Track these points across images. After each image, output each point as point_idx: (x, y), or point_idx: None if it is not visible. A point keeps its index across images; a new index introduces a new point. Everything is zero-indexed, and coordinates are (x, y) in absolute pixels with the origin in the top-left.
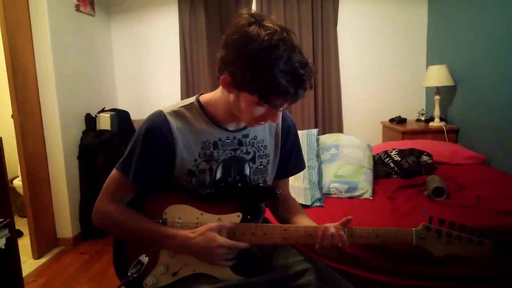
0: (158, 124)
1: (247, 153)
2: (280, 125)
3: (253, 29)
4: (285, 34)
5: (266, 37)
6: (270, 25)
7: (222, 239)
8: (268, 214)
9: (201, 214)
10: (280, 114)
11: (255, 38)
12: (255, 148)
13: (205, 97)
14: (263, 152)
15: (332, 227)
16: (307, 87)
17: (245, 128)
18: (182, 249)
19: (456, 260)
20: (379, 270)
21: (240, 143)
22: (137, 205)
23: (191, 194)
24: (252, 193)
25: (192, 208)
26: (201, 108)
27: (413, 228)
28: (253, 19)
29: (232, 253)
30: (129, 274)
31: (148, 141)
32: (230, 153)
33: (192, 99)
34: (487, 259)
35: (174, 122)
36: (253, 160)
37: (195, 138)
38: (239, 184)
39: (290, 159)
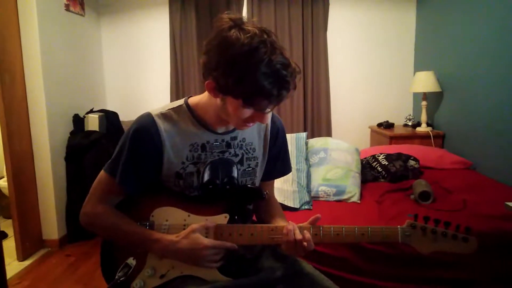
0: (146, 126)
1: (235, 155)
2: (269, 127)
3: (233, 33)
4: (265, 36)
5: (246, 41)
6: (250, 28)
7: (206, 240)
8: None
9: (189, 216)
10: (268, 115)
11: (235, 42)
12: (244, 150)
13: (193, 100)
14: (252, 154)
15: (292, 223)
16: (290, 87)
17: (233, 130)
18: (167, 253)
19: (444, 264)
20: (368, 273)
21: (228, 145)
22: (125, 208)
23: (178, 196)
24: (240, 194)
25: (179, 210)
26: (190, 111)
27: (399, 226)
28: (232, 23)
29: (219, 253)
30: (116, 277)
31: (135, 143)
32: (218, 155)
33: (180, 102)
34: (474, 259)
35: (162, 125)
36: (241, 162)
37: (183, 141)
38: (227, 187)
39: (277, 162)
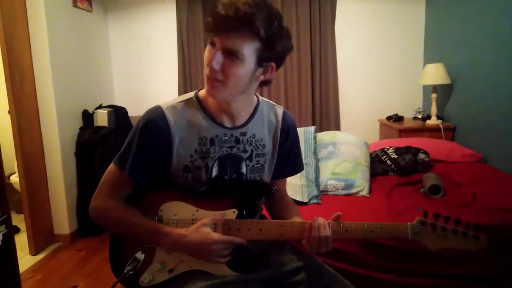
0: (155, 119)
1: (245, 151)
2: (280, 124)
3: None
4: None
5: None
6: None
7: (216, 235)
8: (264, 212)
9: (197, 210)
10: (214, 55)
11: None
12: (253, 146)
13: (203, 92)
14: (261, 151)
15: (321, 219)
16: (222, 13)
17: (243, 125)
18: (177, 247)
19: (452, 258)
20: (375, 268)
21: (237, 140)
22: (134, 202)
23: (187, 191)
24: (248, 190)
25: (187, 205)
26: (199, 104)
27: (408, 223)
28: None
29: (227, 248)
30: (125, 271)
31: (145, 136)
32: (227, 151)
33: (191, 94)
34: (483, 255)
35: (171, 118)
36: (250, 158)
37: (192, 134)
38: (236, 182)
39: (288, 160)
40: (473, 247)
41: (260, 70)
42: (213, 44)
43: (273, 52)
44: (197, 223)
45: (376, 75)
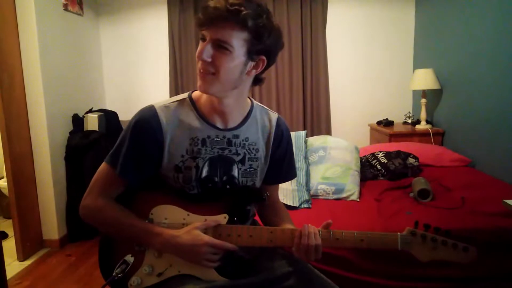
0: (147, 118)
1: (237, 154)
2: (273, 130)
3: None
4: None
5: None
6: None
7: (207, 237)
8: (256, 218)
9: (188, 215)
10: (205, 49)
11: None
12: (246, 150)
13: (196, 94)
14: (254, 155)
15: (311, 227)
16: (211, 6)
17: (235, 128)
18: (167, 247)
19: (444, 262)
20: (366, 272)
21: (230, 142)
22: (124, 204)
23: (178, 194)
24: (239, 195)
25: (178, 209)
26: (192, 104)
27: (398, 233)
28: None
29: (218, 253)
30: (114, 273)
31: (136, 134)
32: (218, 152)
33: (184, 95)
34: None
35: (164, 117)
36: (242, 161)
37: (184, 134)
38: (227, 186)
39: (282, 166)
40: (463, 259)
41: (251, 64)
42: (203, 39)
43: (263, 44)
44: (189, 226)
45: (367, 80)
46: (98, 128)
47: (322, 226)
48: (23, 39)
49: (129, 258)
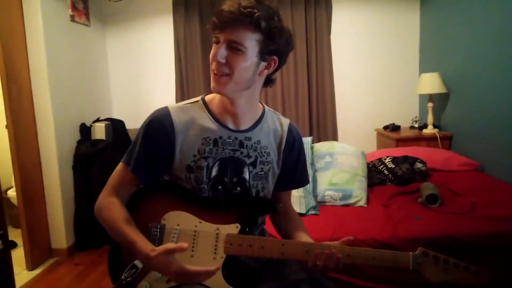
0: (160, 117)
1: (248, 156)
2: (285, 135)
3: None
4: None
5: None
6: None
7: (175, 267)
8: (268, 226)
9: (200, 222)
10: (218, 51)
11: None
12: (258, 153)
13: (209, 96)
14: (266, 158)
15: (330, 246)
16: (225, 10)
17: (247, 130)
18: (147, 264)
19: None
20: (371, 278)
21: (241, 144)
22: (137, 206)
23: (191, 201)
24: (252, 205)
25: (191, 216)
26: (205, 106)
27: (411, 253)
28: None
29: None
30: (122, 277)
31: (149, 133)
32: (229, 153)
33: (198, 98)
34: (480, 262)
35: (177, 117)
36: (253, 164)
37: (196, 134)
38: (238, 188)
39: (295, 172)
40: (475, 282)
41: (264, 64)
42: (217, 42)
43: (275, 44)
44: (161, 248)
45: (373, 85)
46: (106, 137)
47: (342, 240)
48: (31, 51)
49: (138, 263)
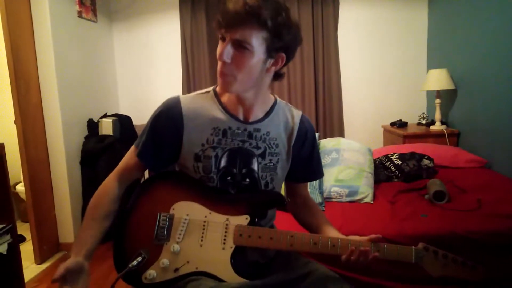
0: (170, 106)
1: (257, 147)
2: (296, 127)
3: None
4: None
5: None
6: None
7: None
8: (286, 221)
9: (210, 213)
10: (224, 48)
11: None
12: (267, 144)
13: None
14: (274, 150)
15: (360, 242)
16: (230, 9)
17: (257, 122)
18: None
19: (453, 279)
20: (380, 275)
21: (250, 135)
22: (146, 195)
23: (201, 192)
24: (262, 198)
25: (201, 207)
26: (216, 97)
27: (413, 247)
28: None
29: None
30: (129, 265)
31: (157, 121)
32: (238, 144)
33: (209, 88)
34: (488, 259)
35: (186, 106)
36: (262, 156)
37: (205, 123)
38: (247, 179)
39: (310, 165)
40: (471, 277)
41: (271, 61)
42: (223, 39)
43: (282, 41)
44: (60, 274)
45: (380, 81)
46: (113, 133)
47: (371, 238)
48: (39, 47)
49: (146, 251)
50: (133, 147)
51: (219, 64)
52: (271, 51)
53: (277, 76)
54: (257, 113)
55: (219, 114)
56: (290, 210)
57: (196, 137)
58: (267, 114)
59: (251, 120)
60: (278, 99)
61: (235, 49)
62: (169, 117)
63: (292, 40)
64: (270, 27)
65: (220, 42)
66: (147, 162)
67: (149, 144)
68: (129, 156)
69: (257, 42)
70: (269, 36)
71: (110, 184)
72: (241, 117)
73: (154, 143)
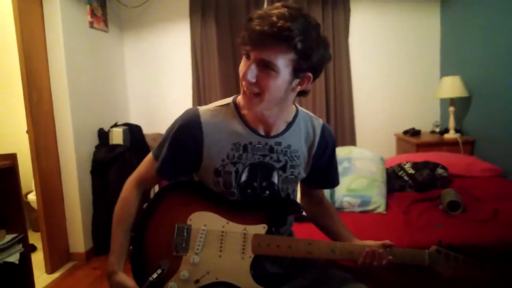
0: (189, 120)
1: (278, 161)
2: (317, 138)
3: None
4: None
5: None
6: None
7: (132, 284)
8: (303, 231)
9: (227, 223)
10: (249, 70)
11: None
12: (288, 157)
13: (240, 98)
14: (296, 162)
15: (374, 245)
16: (257, 28)
17: (278, 135)
18: (106, 274)
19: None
20: (387, 284)
21: (271, 149)
22: (162, 206)
23: (218, 202)
24: (278, 206)
25: (218, 217)
26: (236, 110)
27: (426, 250)
28: None
29: None
30: (150, 278)
31: (177, 137)
32: (259, 158)
33: (229, 100)
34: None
35: (206, 120)
36: (283, 168)
37: (226, 139)
38: (267, 192)
39: (326, 174)
40: (481, 277)
41: (297, 81)
42: (247, 56)
43: (309, 62)
44: (123, 279)
45: (392, 89)
46: (123, 142)
47: (384, 244)
48: (51, 57)
49: (165, 263)
50: (151, 157)
51: (243, 83)
52: (297, 72)
53: (302, 93)
54: (279, 127)
55: (239, 128)
56: (306, 212)
57: (216, 152)
58: (289, 126)
59: (272, 134)
60: (299, 108)
61: (259, 70)
62: (189, 131)
63: (320, 60)
64: (298, 49)
65: (244, 59)
66: (167, 177)
67: (169, 160)
68: (148, 166)
69: (283, 63)
70: (296, 58)
71: (131, 195)
72: (261, 131)
73: (174, 158)
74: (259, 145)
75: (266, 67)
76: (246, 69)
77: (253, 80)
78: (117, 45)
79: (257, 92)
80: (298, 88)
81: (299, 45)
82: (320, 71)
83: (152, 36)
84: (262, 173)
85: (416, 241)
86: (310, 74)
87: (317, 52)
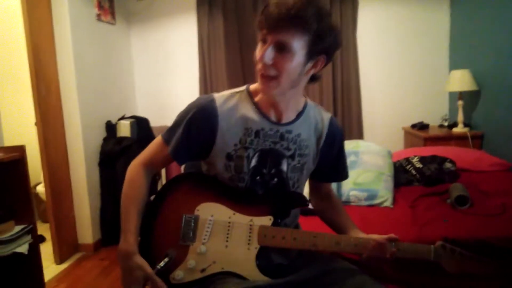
0: (204, 106)
1: (288, 149)
2: (326, 129)
3: None
4: None
5: None
6: None
7: (151, 270)
8: (309, 224)
9: (234, 214)
10: (265, 50)
11: None
12: (297, 145)
13: (253, 87)
14: (304, 151)
15: (378, 239)
16: (274, 12)
17: (289, 123)
18: (120, 254)
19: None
20: (394, 281)
21: (282, 137)
22: (170, 196)
23: (225, 193)
24: (284, 199)
25: (225, 208)
26: (250, 97)
27: (432, 245)
28: None
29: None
30: (158, 266)
31: (192, 121)
32: (270, 145)
33: (242, 88)
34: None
35: (221, 106)
36: (292, 157)
37: (239, 124)
38: (275, 179)
39: (335, 167)
40: (485, 272)
41: (310, 64)
42: (263, 41)
43: (323, 45)
44: (143, 262)
45: (400, 82)
46: (130, 134)
47: (389, 238)
48: (59, 50)
49: (172, 252)
50: (160, 140)
51: (260, 66)
52: (311, 54)
53: (314, 78)
54: (290, 115)
55: (252, 114)
56: (314, 206)
57: (230, 137)
58: (299, 116)
59: (283, 121)
60: (308, 100)
61: (276, 52)
62: (204, 117)
63: (332, 43)
64: (313, 31)
65: (260, 44)
66: (180, 160)
67: (184, 144)
68: (156, 149)
69: (299, 45)
70: (311, 40)
71: (139, 176)
72: (273, 118)
73: (188, 142)
74: (270, 132)
75: (282, 50)
76: (264, 51)
77: (270, 62)
78: (124, 37)
79: (274, 75)
80: (311, 72)
81: (314, 27)
82: (332, 54)
83: (159, 28)
84: (272, 160)
85: (422, 236)
86: (323, 58)
87: (329, 35)
